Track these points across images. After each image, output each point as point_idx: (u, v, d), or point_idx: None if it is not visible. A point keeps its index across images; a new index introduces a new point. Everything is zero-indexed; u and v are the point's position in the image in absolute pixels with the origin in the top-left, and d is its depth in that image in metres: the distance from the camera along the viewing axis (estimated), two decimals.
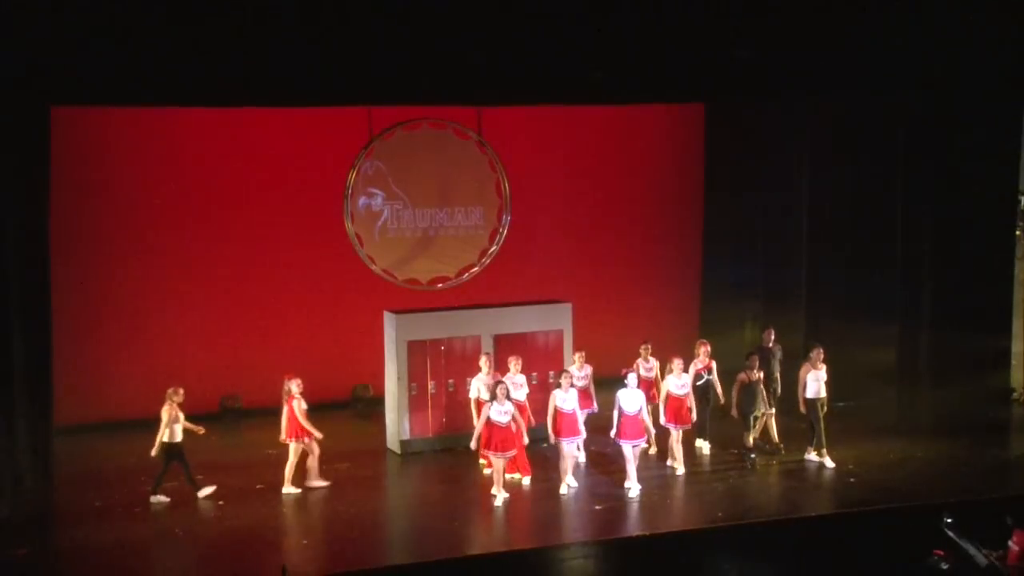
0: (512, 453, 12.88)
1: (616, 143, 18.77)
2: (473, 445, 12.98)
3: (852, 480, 13.47)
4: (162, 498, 12.91)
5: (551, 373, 14.50)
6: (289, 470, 13.19)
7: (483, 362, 13.99)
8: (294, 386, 13.13)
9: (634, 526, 12.34)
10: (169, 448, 13.00)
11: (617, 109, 17.83)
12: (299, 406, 13.15)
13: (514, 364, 13.72)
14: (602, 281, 18.56)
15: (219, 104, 14.72)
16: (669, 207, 19.09)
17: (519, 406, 13.20)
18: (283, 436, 13.20)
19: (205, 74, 12.53)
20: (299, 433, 13.14)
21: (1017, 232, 16.60)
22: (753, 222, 18.24)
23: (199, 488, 13.04)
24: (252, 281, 16.93)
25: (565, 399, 13.06)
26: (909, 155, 15.94)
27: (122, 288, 16.25)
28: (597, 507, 12.70)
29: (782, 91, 15.83)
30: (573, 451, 13.36)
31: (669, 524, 12.34)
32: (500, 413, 12.70)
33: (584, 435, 13.44)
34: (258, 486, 13.43)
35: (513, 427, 12.81)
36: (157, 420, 12.97)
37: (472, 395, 13.95)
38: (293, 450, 13.17)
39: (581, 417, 13.54)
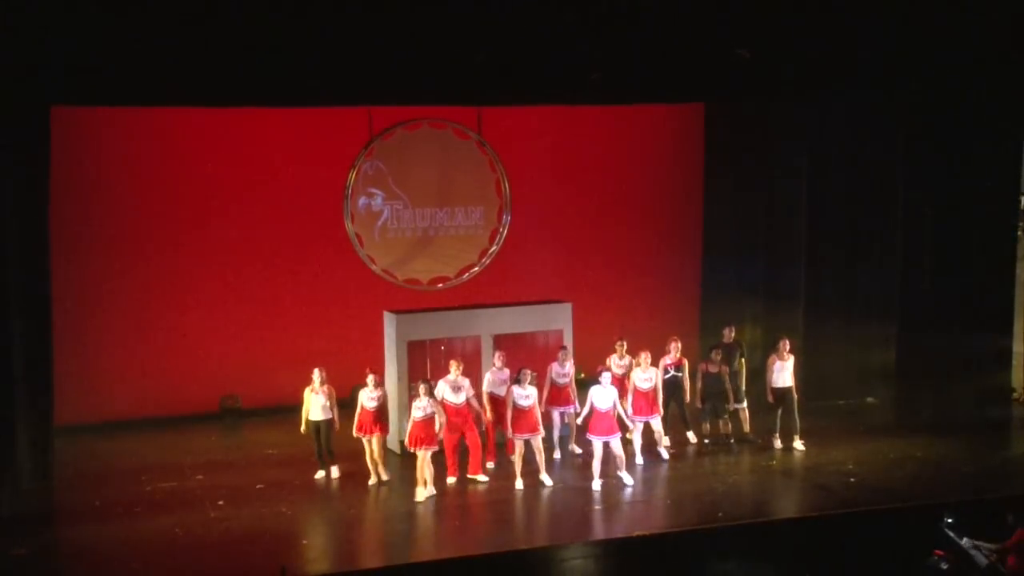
0: (433, 449, 12.91)
1: (616, 143, 18.75)
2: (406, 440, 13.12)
3: (852, 480, 13.47)
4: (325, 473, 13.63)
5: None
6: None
7: (496, 358, 14.07)
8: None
9: (634, 526, 12.33)
10: (314, 426, 13.56)
11: (617, 109, 17.82)
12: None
13: (455, 367, 13.54)
14: (602, 281, 18.55)
15: (219, 104, 14.70)
16: (669, 207, 19.08)
17: (457, 408, 13.29)
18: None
19: (205, 74, 12.53)
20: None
21: (1018, 232, 16.59)
22: (753, 221, 18.22)
23: (323, 469, 13.59)
24: (252, 281, 16.93)
25: (524, 395, 13.16)
26: (909, 155, 15.93)
27: (122, 288, 16.24)
28: (597, 507, 12.71)
29: (782, 91, 15.82)
30: (534, 446, 13.26)
31: (669, 524, 12.32)
32: (417, 409, 12.86)
33: (543, 434, 13.50)
34: (258, 486, 13.42)
35: (437, 424, 12.91)
36: (157, 420, 13.00)
37: (485, 389, 14.05)
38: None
39: (557, 419, 14.18)
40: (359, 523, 12.61)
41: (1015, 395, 16.77)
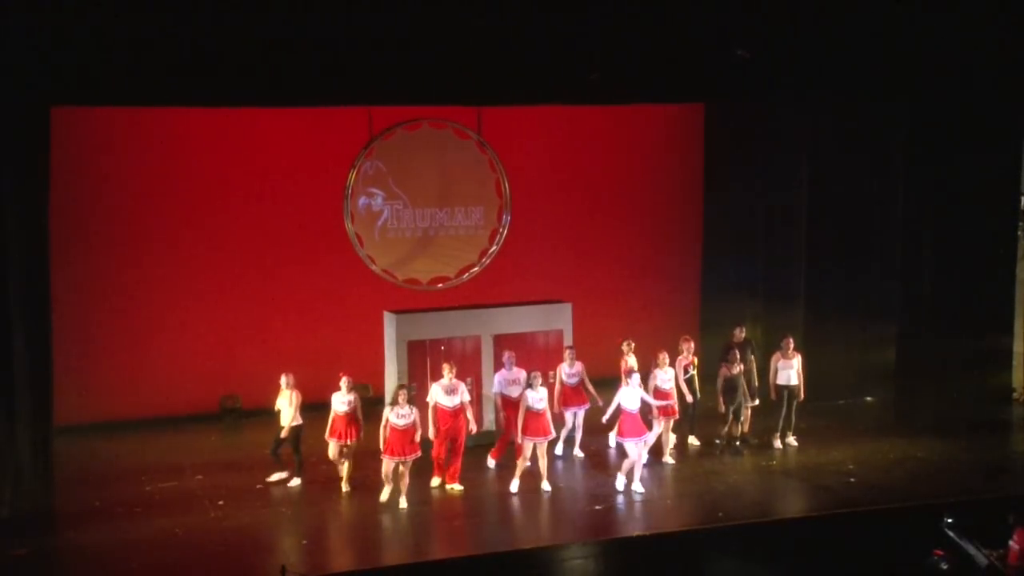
0: (413, 457, 12.67)
1: (616, 143, 18.75)
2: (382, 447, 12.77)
3: (852, 480, 13.47)
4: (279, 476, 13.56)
5: (550, 373, 14.49)
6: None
7: (506, 358, 14.05)
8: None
9: (634, 526, 12.34)
10: (281, 430, 13.44)
11: (617, 109, 17.82)
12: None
13: (448, 370, 13.33)
14: (602, 281, 18.54)
15: (219, 104, 14.70)
16: (669, 207, 19.07)
17: (451, 411, 13.12)
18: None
19: (205, 74, 12.52)
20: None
21: (1018, 232, 16.58)
22: (753, 222, 18.23)
23: (279, 475, 13.49)
24: (252, 281, 16.92)
25: (538, 398, 13.07)
26: (909, 154, 15.93)
27: (122, 288, 16.23)
28: (597, 507, 12.71)
29: (782, 91, 15.82)
30: (539, 451, 13.13)
31: (669, 524, 12.32)
32: (398, 417, 12.58)
33: (552, 436, 13.37)
34: (258, 486, 13.44)
35: (416, 432, 12.62)
36: (157, 420, 12.97)
37: (494, 390, 14.07)
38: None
39: (570, 419, 14.18)
40: (359, 523, 12.59)
41: (1015, 395, 16.78)
